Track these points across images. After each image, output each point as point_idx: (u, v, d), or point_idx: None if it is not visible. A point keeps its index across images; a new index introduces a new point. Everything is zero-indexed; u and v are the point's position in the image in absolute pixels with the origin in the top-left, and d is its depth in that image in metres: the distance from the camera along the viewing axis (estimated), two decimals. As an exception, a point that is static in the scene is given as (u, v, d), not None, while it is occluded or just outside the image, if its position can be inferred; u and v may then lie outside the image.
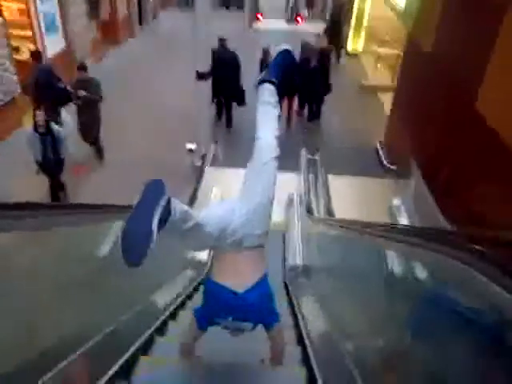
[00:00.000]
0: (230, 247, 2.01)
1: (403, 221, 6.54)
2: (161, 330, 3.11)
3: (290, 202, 6.82)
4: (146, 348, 2.71)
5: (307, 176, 6.13)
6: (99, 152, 7.71)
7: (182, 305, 3.84)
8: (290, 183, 7.28)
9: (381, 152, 8.54)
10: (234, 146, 8.57)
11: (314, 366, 2.46)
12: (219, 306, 2.05)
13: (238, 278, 2.01)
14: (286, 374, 2.42)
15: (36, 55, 7.54)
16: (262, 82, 2.25)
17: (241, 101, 8.85)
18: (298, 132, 9.60)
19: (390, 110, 8.81)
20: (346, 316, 2.58)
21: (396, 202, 6.94)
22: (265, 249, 2.15)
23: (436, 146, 6.17)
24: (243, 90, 8.73)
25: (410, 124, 7.39)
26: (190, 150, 6.30)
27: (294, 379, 2.40)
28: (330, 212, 5.21)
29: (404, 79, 8.37)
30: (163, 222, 1.53)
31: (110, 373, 2.18)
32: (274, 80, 2.24)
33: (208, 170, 6.23)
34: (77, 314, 2.07)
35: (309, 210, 5.09)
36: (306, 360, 2.63)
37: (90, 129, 7.30)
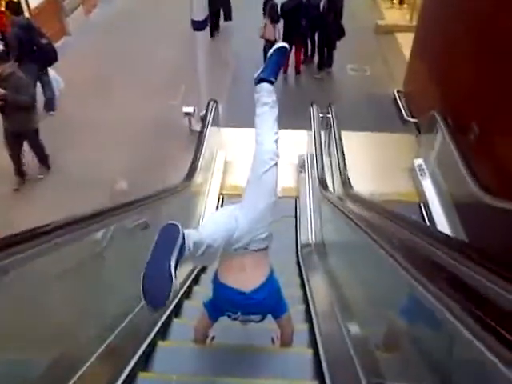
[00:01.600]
0: (236, 252, 2.08)
1: (426, 185, 5.92)
2: (177, 310, 3.20)
3: (301, 164, 6.21)
4: (164, 332, 2.82)
5: (319, 135, 5.47)
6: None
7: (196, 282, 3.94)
8: (300, 143, 6.65)
9: (400, 103, 7.76)
10: (237, 104, 7.87)
11: (321, 352, 2.47)
12: (228, 304, 2.16)
13: (244, 279, 2.08)
14: (293, 356, 2.54)
15: (13, 7, 6.76)
16: (259, 80, 2.23)
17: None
18: (308, 84, 8.81)
19: (411, 53, 7.90)
20: (360, 298, 2.49)
21: (418, 162, 6.28)
22: (268, 251, 2.19)
23: (467, 93, 5.40)
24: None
25: (435, 69, 6.56)
26: (187, 114, 5.63)
27: (301, 360, 2.50)
28: (344, 180, 4.60)
29: (427, 16, 7.39)
30: (180, 260, 1.61)
31: (132, 362, 2.29)
32: (272, 80, 2.22)
33: (210, 132, 5.59)
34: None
35: (322, 183, 4.49)
36: (314, 344, 2.64)
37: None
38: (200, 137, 5.32)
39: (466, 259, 1.21)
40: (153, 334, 2.64)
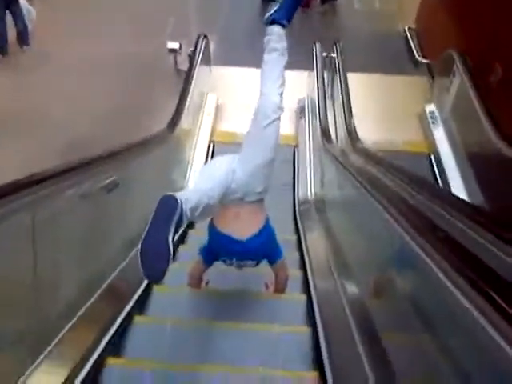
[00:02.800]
0: (232, 202, 2.08)
1: (438, 134, 5.36)
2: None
3: (301, 110, 5.60)
4: None
5: (322, 77, 4.84)
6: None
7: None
8: (300, 85, 5.99)
9: (411, 41, 7.01)
10: (232, 39, 7.12)
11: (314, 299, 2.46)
12: (224, 251, 2.17)
13: (240, 228, 2.07)
14: (287, 301, 2.57)
15: None
16: (271, 22, 2.06)
17: None
18: (309, 19, 7.97)
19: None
20: (357, 254, 2.38)
21: (429, 108, 5.67)
22: (264, 201, 2.19)
23: (491, 30, 4.73)
24: None
25: (454, 2, 5.81)
26: (172, 50, 4.92)
27: (294, 305, 2.53)
28: (350, 131, 4.06)
29: None
30: (177, 230, 1.62)
31: (128, 307, 2.33)
32: (284, 23, 2.07)
33: (199, 71, 4.94)
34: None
35: (324, 134, 3.95)
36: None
37: None
38: (187, 77, 4.69)
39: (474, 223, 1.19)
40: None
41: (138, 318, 2.32)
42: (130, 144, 2.90)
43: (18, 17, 6.44)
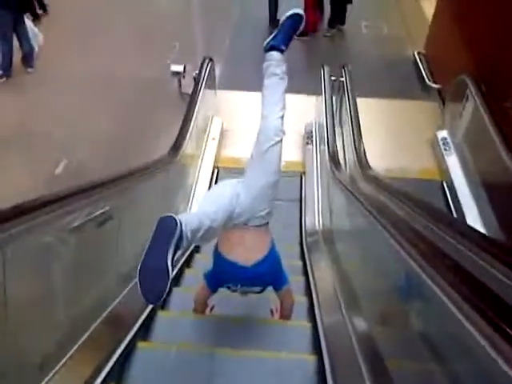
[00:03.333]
0: (236, 226, 2.06)
1: (451, 161, 5.15)
2: (177, 279, 3.17)
3: (308, 135, 5.44)
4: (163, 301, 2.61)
5: (330, 102, 4.68)
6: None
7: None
8: (307, 110, 5.85)
9: (421, 66, 6.87)
10: (238, 63, 7.02)
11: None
12: (228, 277, 2.15)
13: (245, 254, 2.06)
14: (293, 328, 2.53)
15: None
16: (269, 48, 2.11)
17: None
18: (317, 43, 7.89)
19: (436, 9, 6.92)
20: (370, 294, 2.19)
21: (441, 134, 5.49)
22: (269, 226, 2.17)
23: (506, 55, 4.56)
24: None
25: (466, 27, 5.67)
26: (176, 73, 4.79)
27: (300, 332, 2.50)
28: (360, 157, 3.86)
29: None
30: (177, 252, 1.59)
31: (132, 331, 2.32)
32: (282, 48, 2.11)
33: (203, 95, 4.81)
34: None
35: (333, 160, 3.76)
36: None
37: None
38: (191, 100, 4.54)
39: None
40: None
41: (141, 344, 2.28)
42: (128, 170, 2.72)
43: (24, 39, 6.41)
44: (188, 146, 4.21)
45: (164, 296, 1.50)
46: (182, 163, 4.14)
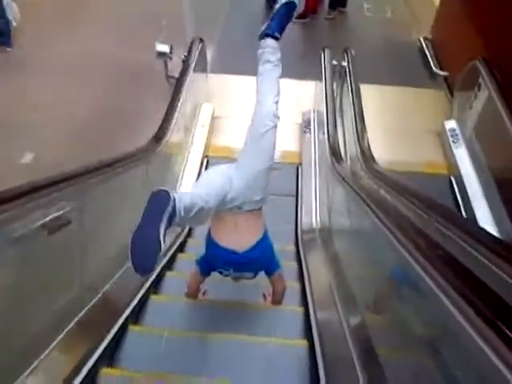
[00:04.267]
0: (230, 210, 2.06)
1: (460, 154, 4.77)
2: (170, 264, 3.17)
3: (306, 123, 5.03)
4: (156, 285, 2.82)
5: (331, 88, 4.27)
6: None
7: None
8: (306, 97, 5.44)
9: (427, 52, 6.45)
10: (232, 45, 6.56)
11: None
12: (220, 262, 2.17)
13: (238, 238, 2.07)
14: (284, 314, 2.53)
15: None
16: (264, 36, 2.10)
17: None
18: (317, 26, 7.44)
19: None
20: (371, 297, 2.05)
21: (450, 124, 5.09)
22: (262, 210, 2.17)
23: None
24: None
25: (478, 9, 5.24)
26: (162, 54, 4.34)
27: (292, 317, 2.51)
28: (362, 149, 3.48)
29: None
30: (169, 226, 1.57)
31: (124, 316, 2.31)
32: (277, 36, 2.10)
33: (193, 78, 4.39)
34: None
35: (333, 153, 3.38)
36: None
37: None
38: (177, 84, 4.11)
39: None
40: (146, 287, 2.62)
41: (133, 328, 2.28)
42: (96, 163, 2.32)
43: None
44: (173, 135, 3.80)
45: (154, 267, 1.50)
46: (165, 153, 3.73)
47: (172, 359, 2.12)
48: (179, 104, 3.97)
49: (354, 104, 3.94)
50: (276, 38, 2.10)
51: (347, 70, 4.42)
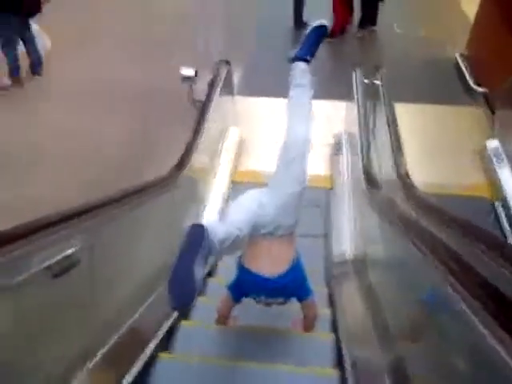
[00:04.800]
0: (262, 237, 2.04)
1: (505, 176, 4.43)
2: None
3: (337, 147, 4.80)
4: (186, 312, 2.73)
5: (364, 108, 4.04)
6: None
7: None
8: (337, 118, 5.22)
9: (463, 68, 6.15)
10: (260, 70, 6.44)
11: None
12: (252, 288, 2.14)
13: (269, 264, 2.04)
14: (315, 339, 2.49)
15: None
16: (295, 59, 2.13)
17: None
18: (346, 45, 7.25)
19: (480, 4, 6.20)
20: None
21: (492, 144, 4.77)
22: (294, 235, 2.16)
23: None
24: None
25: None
26: (187, 78, 4.24)
27: (323, 345, 2.44)
28: (400, 173, 3.22)
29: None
30: (205, 262, 1.59)
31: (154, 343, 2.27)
32: (308, 58, 2.13)
33: (218, 101, 4.26)
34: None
35: (367, 178, 3.13)
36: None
37: None
38: (203, 108, 3.97)
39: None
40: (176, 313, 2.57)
41: (163, 355, 2.24)
42: (109, 196, 2.16)
43: (31, 45, 6.01)
44: (197, 160, 3.64)
45: (190, 305, 1.62)
46: (189, 180, 3.57)
47: None
48: (204, 128, 3.82)
49: (389, 125, 3.69)
50: (307, 61, 2.12)
51: (380, 88, 4.19)
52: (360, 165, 3.44)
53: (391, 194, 3.32)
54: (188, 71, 4.18)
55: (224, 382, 2.12)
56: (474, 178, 4.71)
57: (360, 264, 3.25)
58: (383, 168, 3.90)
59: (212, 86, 4.31)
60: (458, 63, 6.31)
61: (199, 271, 1.52)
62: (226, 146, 4.83)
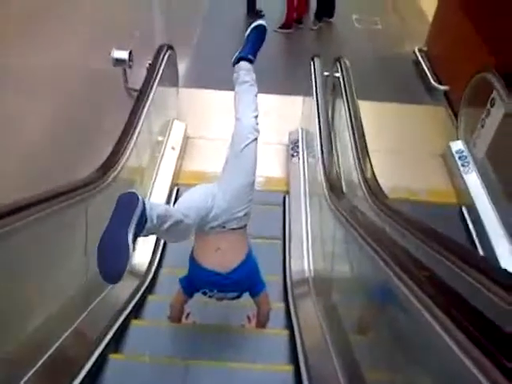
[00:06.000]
0: (213, 230, 2.01)
1: (470, 180, 4.12)
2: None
3: (294, 145, 4.33)
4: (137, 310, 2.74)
5: (323, 102, 3.58)
6: None
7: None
8: (292, 115, 4.77)
9: (423, 64, 5.85)
10: (208, 59, 5.89)
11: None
12: (204, 284, 2.11)
13: (221, 259, 2.02)
14: (269, 338, 2.49)
15: None
16: (238, 59, 2.16)
17: None
18: (302, 38, 6.82)
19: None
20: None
21: (456, 146, 4.45)
22: (247, 228, 2.14)
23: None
24: None
25: (486, 16, 4.65)
26: (119, 61, 3.59)
27: (277, 341, 2.47)
28: (365, 177, 2.81)
29: None
30: (140, 232, 1.50)
31: (105, 340, 2.24)
32: (251, 58, 2.17)
33: (159, 91, 3.67)
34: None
35: (329, 184, 2.69)
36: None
37: None
38: (138, 99, 3.38)
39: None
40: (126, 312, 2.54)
41: (113, 356, 2.22)
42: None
43: None
44: (130, 160, 3.06)
45: (122, 275, 1.40)
46: (120, 183, 2.97)
47: None
48: (139, 122, 3.23)
49: (352, 122, 3.26)
50: (250, 61, 2.15)
51: (341, 81, 3.75)
52: (320, 167, 2.98)
53: (356, 200, 2.90)
54: (120, 53, 3.55)
55: (177, 381, 2.10)
56: (439, 183, 4.38)
57: (321, 283, 2.80)
58: (344, 169, 3.49)
59: (152, 72, 3.71)
60: (417, 59, 6.01)
61: (131, 238, 1.42)
62: (170, 143, 4.24)
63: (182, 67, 5.16)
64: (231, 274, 2.02)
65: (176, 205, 1.97)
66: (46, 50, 5.30)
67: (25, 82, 4.85)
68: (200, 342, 2.39)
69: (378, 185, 2.76)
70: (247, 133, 2.03)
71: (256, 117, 2.08)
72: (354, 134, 3.21)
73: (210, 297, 2.14)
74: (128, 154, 3.00)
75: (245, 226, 2.11)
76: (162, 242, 3.48)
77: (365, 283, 1.91)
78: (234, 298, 2.18)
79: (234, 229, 2.04)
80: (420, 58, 6.00)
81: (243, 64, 2.13)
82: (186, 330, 2.46)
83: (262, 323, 2.41)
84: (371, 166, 2.97)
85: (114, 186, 2.70)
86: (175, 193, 4.04)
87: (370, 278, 1.81)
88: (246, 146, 2.02)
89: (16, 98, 4.62)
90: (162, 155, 4.10)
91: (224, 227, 2.01)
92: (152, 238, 3.43)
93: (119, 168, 2.82)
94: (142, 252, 3.31)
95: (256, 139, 2.06)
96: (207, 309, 2.52)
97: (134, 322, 2.53)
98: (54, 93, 4.74)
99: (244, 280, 2.10)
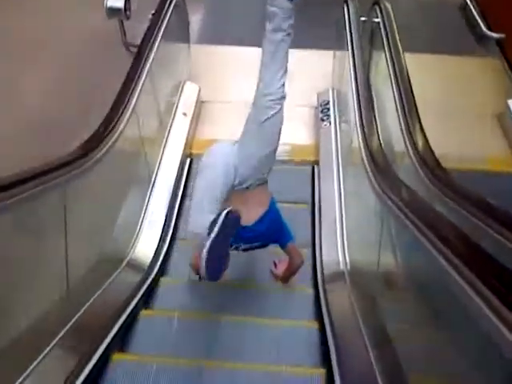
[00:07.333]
0: (236, 191, 1.99)
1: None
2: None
3: (323, 108, 3.73)
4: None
5: (360, 56, 2.96)
6: None
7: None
8: (322, 72, 4.17)
9: (473, 9, 5.07)
10: (222, 9, 5.26)
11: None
12: None
13: (246, 213, 1.91)
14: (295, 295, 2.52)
15: None
16: None
17: None
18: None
19: None
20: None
21: (513, 103, 3.78)
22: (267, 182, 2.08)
23: None
24: None
25: None
26: (114, 11, 2.98)
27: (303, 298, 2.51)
28: (417, 147, 2.25)
29: None
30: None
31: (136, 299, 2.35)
32: None
33: (165, 47, 3.12)
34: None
35: (372, 156, 2.17)
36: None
37: None
38: (138, 56, 2.83)
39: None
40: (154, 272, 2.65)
41: (144, 312, 2.31)
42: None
43: None
44: (130, 128, 2.56)
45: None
46: (120, 155, 2.50)
47: (181, 342, 2.15)
48: (140, 82, 2.71)
49: (397, 79, 2.65)
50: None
51: (382, 27, 3.10)
52: (359, 136, 2.41)
53: (404, 175, 2.35)
54: (114, 1, 2.97)
55: (203, 337, 2.15)
56: (497, 148, 3.75)
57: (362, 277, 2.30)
58: (389, 139, 2.89)
59: (156, 22, 3.14)
60: (465, 3, 5.21)
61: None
62: (180, 109, 3.71)
63: (194, 20, 4.58)
64: (255, 225, 2.00)
65: (202, 195, 1.92)
66: (43, 10, 4.79)
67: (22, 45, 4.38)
68: (225, 298, 2.43)
69: (433, 153, 2.21)
70: (272, 103, 1.84)
71: (284, 83, 1.84)
72: (399, 92, 2.60)
73: (236, 249, 2.07)
74: (125, 122, 2.49)
75: (267, 181, 2.07)
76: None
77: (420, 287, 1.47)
78: (259, 247, 2.15)
79: (257, 185, 2.00)
80: (469, 1, 5.21)
81: (283, 1, 1.68)
82: (211, 287, 2.43)
83: (291, 272, 2.28)
84: (422, 130, 2.41)
85: (113, 155, 2.24)
86: (187, 165, 3.55)
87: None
88: (270, 116, 1.85)
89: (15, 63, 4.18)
90: (172, 122, 3.58)
91: (247, 188, 1.98)
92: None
93: (116, 135, 2.33)
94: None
95: (281, 108, 1.87)
96: (233, 266, 2.32)
97: (162, 279, 2.65)
98: (53, 55, 4.26)
99: (269, 231, 2.07)
